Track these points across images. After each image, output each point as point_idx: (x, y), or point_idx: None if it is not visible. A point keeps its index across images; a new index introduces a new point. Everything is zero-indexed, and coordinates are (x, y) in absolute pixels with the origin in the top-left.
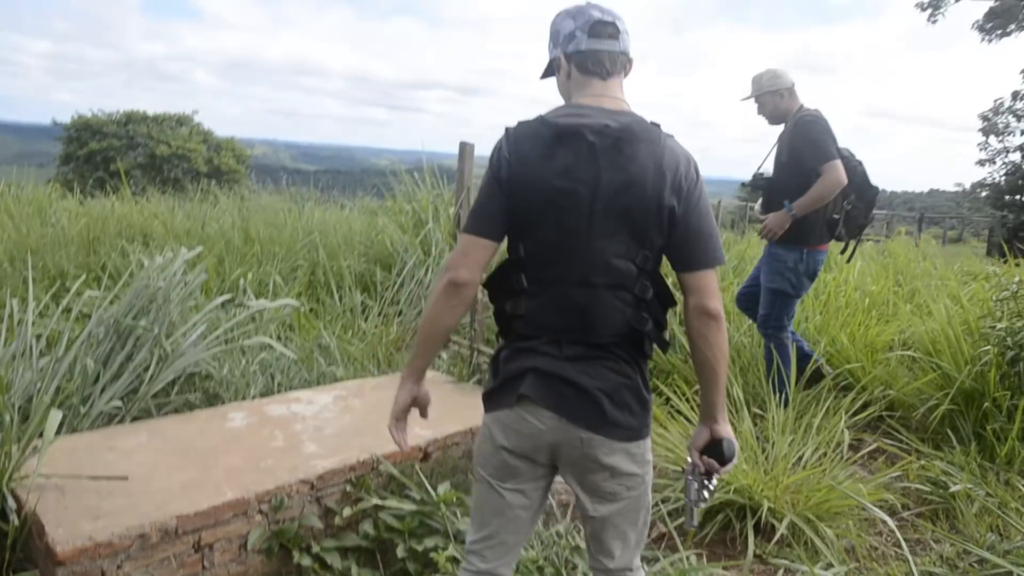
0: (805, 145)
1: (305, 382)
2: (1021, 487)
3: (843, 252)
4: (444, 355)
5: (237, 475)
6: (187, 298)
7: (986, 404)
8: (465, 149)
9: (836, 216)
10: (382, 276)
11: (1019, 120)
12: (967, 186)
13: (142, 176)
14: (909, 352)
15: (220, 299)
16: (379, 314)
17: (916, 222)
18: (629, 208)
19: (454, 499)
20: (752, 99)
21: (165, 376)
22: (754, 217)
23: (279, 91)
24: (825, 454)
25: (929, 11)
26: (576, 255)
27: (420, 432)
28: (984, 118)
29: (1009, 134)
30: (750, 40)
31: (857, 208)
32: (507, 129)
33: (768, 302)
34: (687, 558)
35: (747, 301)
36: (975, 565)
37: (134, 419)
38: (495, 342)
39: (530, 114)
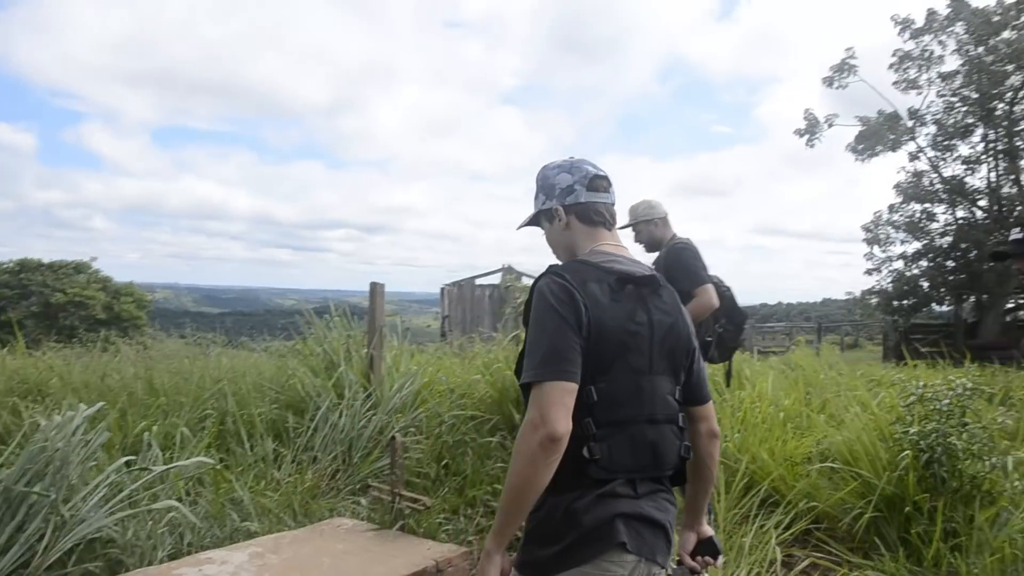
0: (679, 271)
1: (217, 539)
2: None
3: (726, 383)
4: (364, 501)
5: None
6: (88, 459)
7: (908, 508)
8: (376, 289)
9: (708, 339)
10: (294, 421)
11: (897, 231)
12: (857, 294)
13: (35, 326)
14: (829, 463)
15: (123, 459)
16: (292, 461)
17: (816, 331)
18: (673, 348)
19: None
20: (629, 228)
21: (62, 545)
22: None
23: (180, 235)
24: (759, 574)
25: (807, 136)
26: (644, 393)
27: None
28: (867, 230)
29: (891, 244)
30: (641, 168)
31: (728, 331)
32: (560, 273)
33: None
34: None
35: None
36: None
37: None
38: (419, 487)
39: (440, 249)
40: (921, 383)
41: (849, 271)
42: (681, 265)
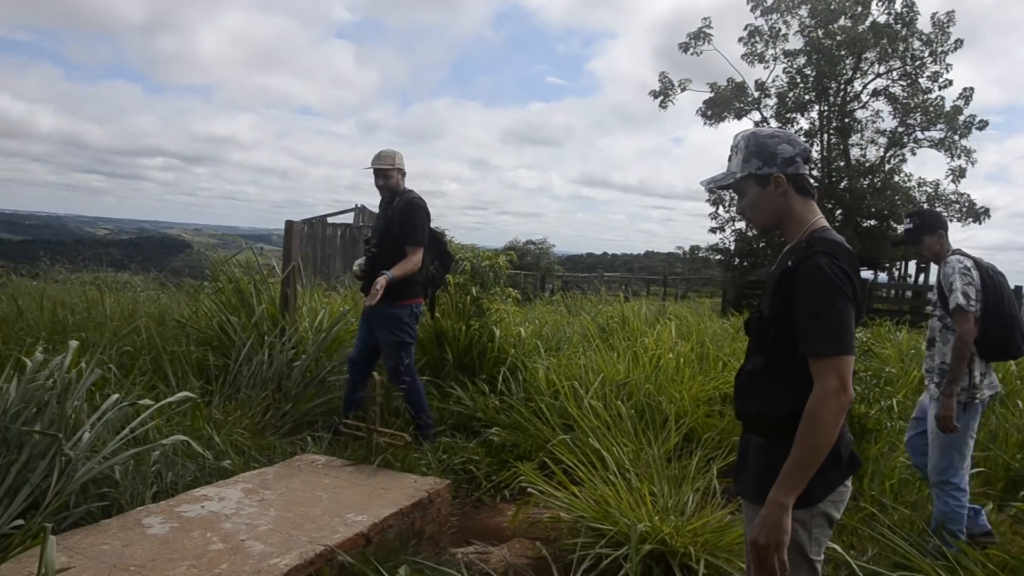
0: (411, 224)
1: (197, 477)
2: (863, 505)
3: (431, 311)
4: (310, 438)
5: None
6: (84, 398)
7: None
8: (292, 227)
9: (427, 278)
10: (214, 360)
11: None
12: (686, 248)
13: None
14: None
15: (114, 396)
16: (222, 399)
17: (661, 284)
18: None
19: None
20: (373, 170)
21: (72, 487)
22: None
23: None
24: (701, 501)
25: (660, 98)
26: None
27: (357, 518)
28: (710, 191)
29: (734, 205)
30: (473, 113)
31: (438, 271)
32: (836, 257)
33: (395, 354)
34: None
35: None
36: None
37: (32, 538)
38: (396, 423)
39: (266, 184)
40: None
41: (671, 226)
42: (414, 220)
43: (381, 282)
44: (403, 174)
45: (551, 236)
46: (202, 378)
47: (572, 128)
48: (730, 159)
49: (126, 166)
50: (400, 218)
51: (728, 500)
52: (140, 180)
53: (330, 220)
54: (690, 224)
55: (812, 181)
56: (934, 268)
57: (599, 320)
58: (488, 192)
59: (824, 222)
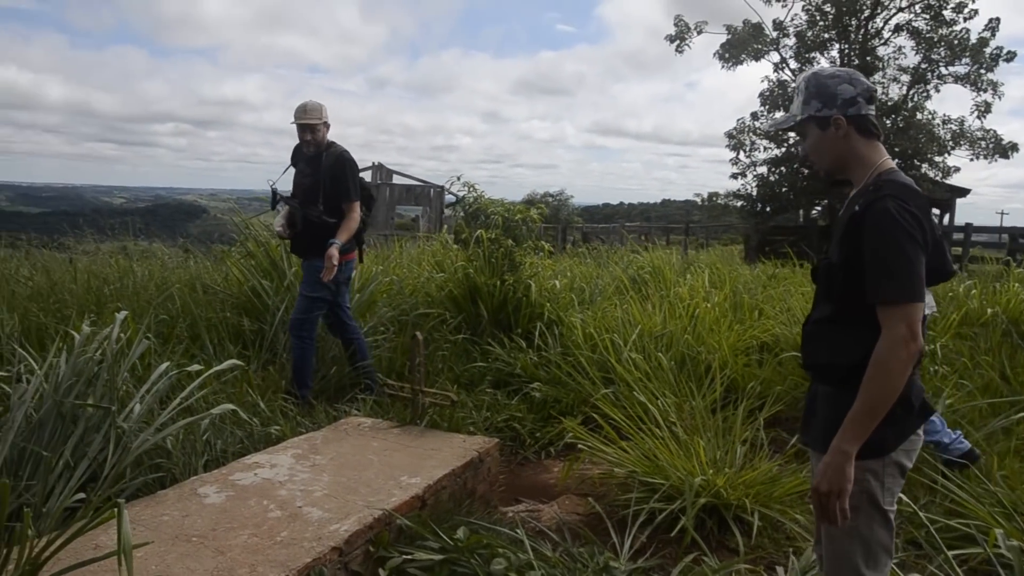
0: (345, 181)
1: (244, 444)
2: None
3: (360, 259)
4: (356, 400)
5: (262, 553)
6: (129, 369)
7: None
8: None
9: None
10: (249, 325)
11: (760, 138)
12: (704, 195)
13: None
14: (780, 352)
15: (164, 365)
16: (260, 365)
17: (682, 232)
18: None
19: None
20: (299, 125)
21: (127, 459)
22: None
23: None
24: (748, 453)
25: (676, 42)
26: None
27: (411, 480)
28: (730, 136)
29: (755, 150)
30: (482, 64)
31: (365, 218)
32: (907, 201)
33: (306, 307)
34: (701, 560)
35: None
36: (906, 523)
37: (94, 511)
38: (438, 382)
39: (279, 145)
40: None
41: (687, 173)
42: (348, 176)
43: (334, 254)
44: (328, 127)
45: (567, 187)
46: (239, 344)
47: (583, 76)
48: (792, 101)
49: (138, 133)
50: (332, 175)
51: (775, 451)
52: (152, 147)
53: None
54: (707, 171)
55: (876, 121)
56: (960, 211)
57: (630, 271)
58: (501, 145)
59: (891, 164)
